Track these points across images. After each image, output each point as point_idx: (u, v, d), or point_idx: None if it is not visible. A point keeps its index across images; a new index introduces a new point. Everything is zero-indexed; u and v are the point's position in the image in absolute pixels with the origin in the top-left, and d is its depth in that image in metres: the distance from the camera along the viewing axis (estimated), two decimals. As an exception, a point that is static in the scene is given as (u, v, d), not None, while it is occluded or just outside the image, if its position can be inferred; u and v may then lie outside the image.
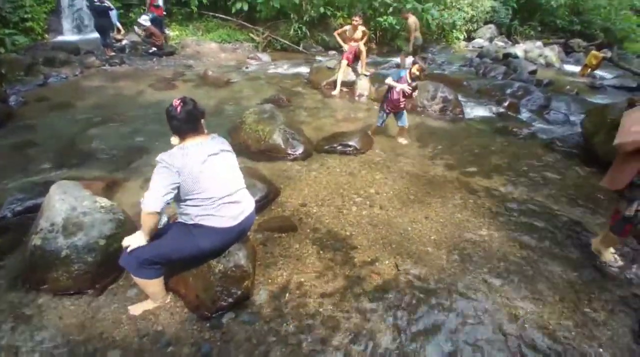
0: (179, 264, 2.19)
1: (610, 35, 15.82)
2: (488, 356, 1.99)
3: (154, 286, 2.10)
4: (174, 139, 2.03)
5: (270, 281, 2.44)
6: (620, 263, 2.70)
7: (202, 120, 2.08)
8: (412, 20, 8.77)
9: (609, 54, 10.18)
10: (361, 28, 6.95)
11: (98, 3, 8.44)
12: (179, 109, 1.95)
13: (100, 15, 8.62)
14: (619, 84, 8.89)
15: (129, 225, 2.53)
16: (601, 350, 2.07)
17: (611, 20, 16.16)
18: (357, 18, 6.85)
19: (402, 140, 4.75)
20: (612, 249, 2.74)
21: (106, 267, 2.32)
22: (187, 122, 1.98)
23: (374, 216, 3.17)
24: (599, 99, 7.38)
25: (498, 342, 2.07)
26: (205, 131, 2.12)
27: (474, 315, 2.24)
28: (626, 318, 2.28)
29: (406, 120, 4.63)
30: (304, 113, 5.79)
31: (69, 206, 2.38)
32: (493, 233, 3.02)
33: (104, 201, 2.56)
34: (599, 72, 10.05)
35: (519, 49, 11.82)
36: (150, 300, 2.20)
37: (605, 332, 2.18)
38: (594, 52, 10.17)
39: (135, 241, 1.99)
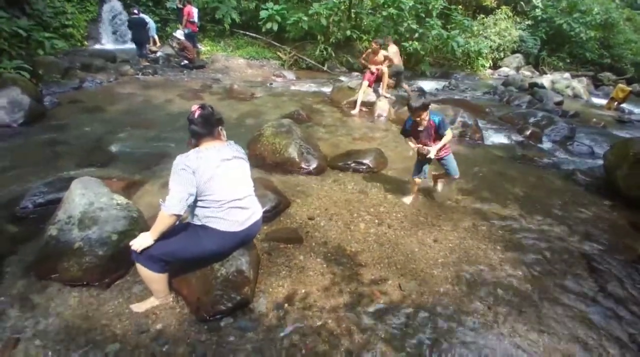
0: (183, 265, 2.24)
1: (640, 70, 15.49)
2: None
3: (158, 282, 2.16)
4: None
5: (271, 290, 2.45)
6: None
7: (220, 127, 2.17)
8: (393, 49, 8.57)
9: (637, 88, 9.91)
10: (383, 52, 7.09)
11: (136, 16, 8.99)
12: (197, 113, 2.07)
13: (137, 27, 9.17)
14: (648, 119, 8.62)
15: (142, 223, 2.62)
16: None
17: (642, 55, 15.86)
18: (374, 44, 7.04)
19: (439, 186, 3.92)
20: None
21: (116, 262, 2.40)
22: (204, 127, 2.08)
23: (382, 234, 3.15)
24: (625, 133, 7.17)
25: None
26: (224, 138, 2.21)
27: (476, 343, 2.17)
28: (634, 354, 2.16)
29: (456, 169, 3.54)
30: (322, 130, 5.88)
31: (88, 200, 2.50)
32: (503, 262, 2.93)
33: (120, 199, 2.67)
34: (627, 107, 9.79)
35: (545, 80, 11.68)
36: (154, 297, 2.25)
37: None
38: (620, 85, 9.96)
39: (141, 242, 2.04)
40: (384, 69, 7.17)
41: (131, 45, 10.04)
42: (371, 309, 2.36)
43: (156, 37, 10.07)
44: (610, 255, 3.14)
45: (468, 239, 3.20)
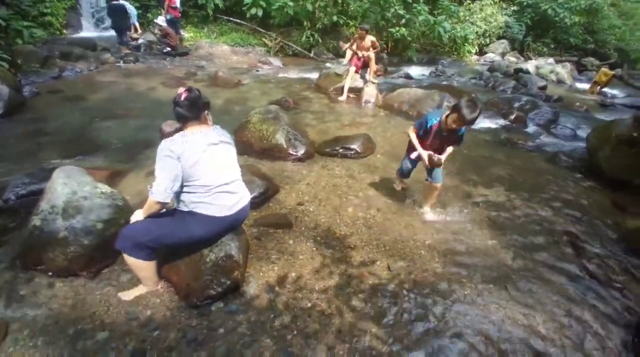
0: (172, 251, 2.23)
1: (624, 55, 15.71)
2: (474, 360, 1.98)
3: (146, 269, 2.14)
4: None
5: (261, 274, 2.46)
6: None
7: (207, 112, 2.14)
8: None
9: (619, 72, 10.08)
10: (370, 37, 7.04)
11: (116, 2, 8.69)
12: (183, 96, 2.02)
13: (117, 14, 8.86)
14: (630, 102, 8.78)
15: (127, 212, 2.57)
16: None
17: (626, 40, 16.05)
18: (360, 30, 7.00)
19: (427, 209, 3.33)
20: None
21: (101, 251, 2.36)
22: (190, 110, 2.04)
23: (370, 217, 3.18)
24: (608, 117, 7.31)
25: (486, 348, 2.05)
26: (210, 123, 2.17)
27: (463, 319, 2.23)
28: (620, 331, 2.25)
29: (441, 176, 3.19)
30: (310, 116, 5.85)
31: (70, 189, 2.44)
32: (488, 242, 3.00)
33: (104, 187, 2.62)
34: (610, 91, 9.97)
35: (530, 65, 11.77)
36: (142, 285, 2.23)
37: (596, 342, 2.15)
38: (604, 69, 10.10)
39: (134, 217, 2.11)
40: (371, 54, 7.14)
41: (112, 33, 9.73)
42: (361, 289, 2.39)
43: (137, 24, 9.74)
44: (594, 233, 3.24)
45: (455, 220, 3.25)
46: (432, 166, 3.05)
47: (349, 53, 7.53)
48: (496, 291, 2.48)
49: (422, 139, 3.06)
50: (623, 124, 4.24)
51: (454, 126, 2.78)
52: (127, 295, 2.21)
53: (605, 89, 9.94)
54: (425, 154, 3.01)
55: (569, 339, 2.16)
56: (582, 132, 5.95)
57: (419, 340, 2.07)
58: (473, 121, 2.68)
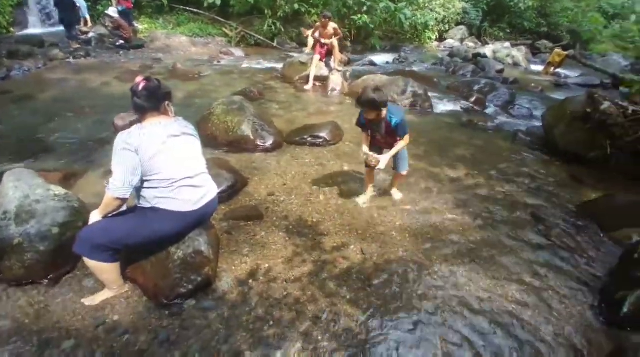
0: (136, 251, 2.12)
1: (576, 37, 16.48)
2: (452, 334, 2.03)
3: (109, 272, 2.03)
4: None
5: (234, 268, 2.41)
6: None
7: (168, 102, 2.03)
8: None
9: (572, 52, 10.63)
10: (332, 24, 6.99)
11: None
12: (141, 85, 1.91)
13: (65, 7, 8.35)
14: (583, 82, 9.30)
15: (84, 214, 2.42)
16: (559, 324, 2.15)
17: (578, 22, 16.80)
18: (322, 18, 6.93)
19: (395, 192, 3.33)
20: None
21: (61, 257, 2.22)
22: (149, 100, 1.93)
23: (342, 204, 3.19)
24: (562, 96, 7.70)
25: (460, 319, 2.12)
26: (171, 114, 2.07)
27: (438, 295, 2.29)
28: (588, 296, 2.38)
29: (406, 165, 3.10)
30: (276, 106, 5.75)
31: (22, 193, 2.28)
32: (456, 219, 3.09)
33: (58, 190, 2.46)
34: (563, 71, 10.50)
35: (488, 50, 12.19)
36: (107, 289, 2.12)
37: (565, 307, 2.27)
38: (557, 50, 10.60)
39: (92, 218, 1.98)
40: (335, 42, 7.09)
41: (61, 28, 9.12)
42: (335, 274, 2.40)
43: (87, 16, 9.15)
44: (553, 205, 3.43)
45: (423, 201, 3.33)
46: (368, 166, 2.96)
47: (311, 40, 7.47)
48: (466, 264, 2.57)
49: (373, 135, 2.97)
50: (577, 101, 4.48)
51: (369, 118, 2.73)
52: (92, 300, 2.09)
53: (558, 70, 10.46)
54: (362, 152, 2.94)
55: (539, 306, 2.26)
56: (538, 112, 6.25)
57: (395, 318, 2.10)
58: (365, 103, 2.63)
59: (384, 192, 3.42)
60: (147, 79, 1.94)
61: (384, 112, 2.70)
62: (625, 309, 2.12)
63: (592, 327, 2.16)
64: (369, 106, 2.66)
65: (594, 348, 2.02)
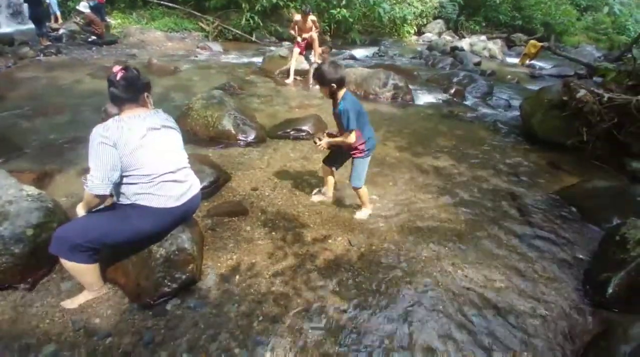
0: (116, 250, 2.04)
1: (550, 29, 16.90)
2: (439, 320, 2.05)
3: (89, 273, 1.94)
4: None
5: (219, 264, 2.35)
6: None
7: (147, 94, 1.94)
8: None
9: (547, 44, 10.90)
10: (311, 17, 6.94)
11: None
12: (119, 75, 1.80)
13: (34, 4, 8.00)
14: (557, 72, 9.58)
15: (60, 214, 2.32)
16: (546, 306, 2.20)
17: (551, 15, 17.22)
18: (301, 12, 6.94)
19: (360, 214, 2.91)
20: None
21: (36, 259, 2.11)
22: (127, 91, 1.83)
23: (327, 196, 3.16)
24: (537, 87, 7.90)
25: (448, 305, 2.14)
26: (151, 106, 1.98)
27: (423, 281, 2.31)
28: (571, 278, 2.44)
29: (359, 179, 2.72)
30: (257, 101, 5.67)
31: (-8, 194, 2.15)
32: (441, 207, 3.13)
33: (31, 190, 2.33)
34: (538, 63, 10.78)
35: (465, 43, 12.39)
36: (86, 291, 2.03)
37: (549, 290, 2.32)
38: (532, 41, 10.85)
39: (78, 211, 1.93)
40: (314, 35, 7.04)
41: (31, 26, 8.72)
42: (323, 266, 2.38)
43: (58, 13, 8.79)
44: (534, 191, 3.52)
45: (408, 190, 3.35)
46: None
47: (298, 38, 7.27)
48: (452, 250, 2.61)
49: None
50: (553, 90, 4.61)
51: (324, 95, 2.56)
52: (71, 303, 2.00)
53: (533, 62, 10.73)
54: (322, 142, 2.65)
55: (524, 290, 2.31)
56: (515, 102, 6.40)
57: (384, 306, 2.11)
58: (314, 75, 2.54)
59: (367, 184, 3.40)
60: (125, 69, 1.83)
61: (340, 94, 2.50)
62: (610, 290, 2.18)
63: (579, 308, 2.21)
64: (318, 79, 2.49)
65: (582, 329, 2.07)
